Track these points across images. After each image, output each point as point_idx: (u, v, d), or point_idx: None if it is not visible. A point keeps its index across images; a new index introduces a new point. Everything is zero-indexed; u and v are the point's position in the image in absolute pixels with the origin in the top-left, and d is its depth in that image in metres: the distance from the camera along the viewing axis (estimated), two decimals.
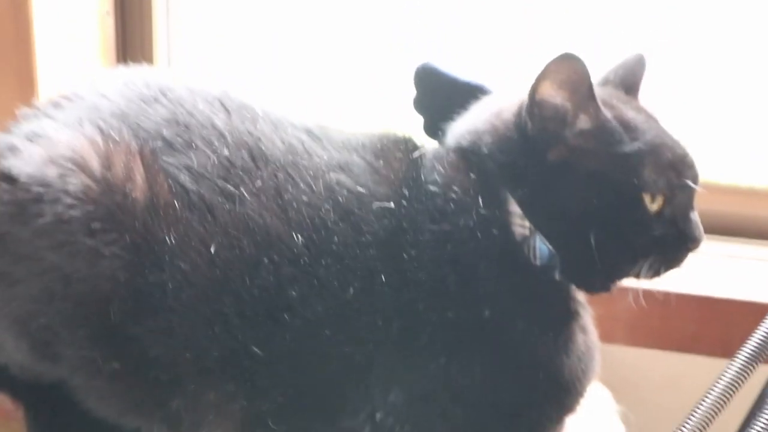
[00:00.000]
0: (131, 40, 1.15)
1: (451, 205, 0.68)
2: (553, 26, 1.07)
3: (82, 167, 0.64)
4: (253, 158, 0.67)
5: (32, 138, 0.67)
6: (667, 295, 0.92)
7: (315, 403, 0.67)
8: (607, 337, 0.77)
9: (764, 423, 0.60)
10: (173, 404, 0.66)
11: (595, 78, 0.72)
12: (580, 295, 0.73)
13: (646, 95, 0.75)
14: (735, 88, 1.07)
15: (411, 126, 0.79)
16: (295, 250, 0.65)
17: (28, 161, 0.65)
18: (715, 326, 0.79)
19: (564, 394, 0.71)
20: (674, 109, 1.02)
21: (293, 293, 0.64)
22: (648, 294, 0.87)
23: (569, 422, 0.76)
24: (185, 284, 0.64)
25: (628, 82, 0.74)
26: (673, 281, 0.89)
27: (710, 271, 0.99)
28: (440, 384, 0.67)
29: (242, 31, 1.18)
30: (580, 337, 0.72)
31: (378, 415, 0.66)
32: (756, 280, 0.89)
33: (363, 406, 0.67)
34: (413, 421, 0.67)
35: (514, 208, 0.68)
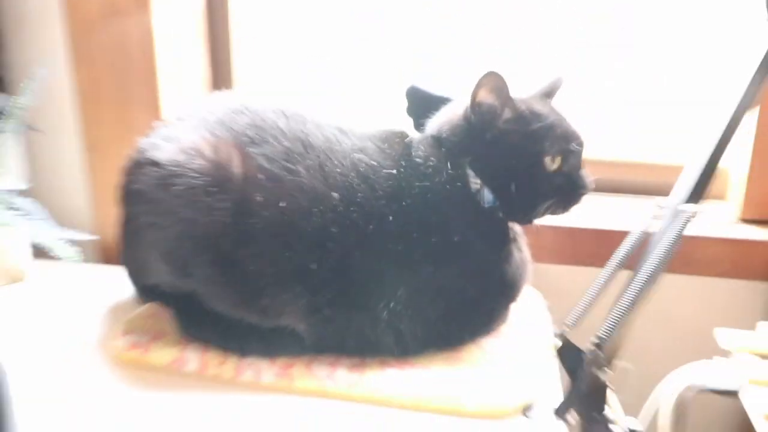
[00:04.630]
0: (221, 72, 1.21)
1: (430, 169, 0.77)
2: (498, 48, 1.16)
3: (200, 154, 0.74)
4: (304, 147, 0.76)
5: (166, 139, 0.77)
6: (576, 229, 1.03)
7: (352, 297, 0.75)
8: (537, 258, 0.86)
9: (616, 316, 0.69)
10: (263, 302, 0.74)
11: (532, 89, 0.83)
12: (517, 227, 0.84)
13: (560, 98, 0.84)
14: (613, 93, 1.15)
15: (406, 125, 0.88)
16: (333, 203, 0.73)
17: (166, 152, 0.75)
18: (606, 247, 0.85)
19: (508, 290, 0.82)
20: (579, 108, 1.02)
21: (334, 230, 0.73)
22: (564, 229, 1.01)
23: (513, 309, 0.87)
24: (268, 225, 0.72)
25: (548, 91, 0.84)
26: (580, 219, 1.02)
27: (602, 213, 1.07)
28: (429, 284, 0.76)
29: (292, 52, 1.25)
30: (516, 254, 0.82)
31: (391, 305, 0.75)
32: (628, 217, 1.00)
33: (382, 299, 0.75)
34: (413, 308, 0.76)
35: (469, 171, 0.78)
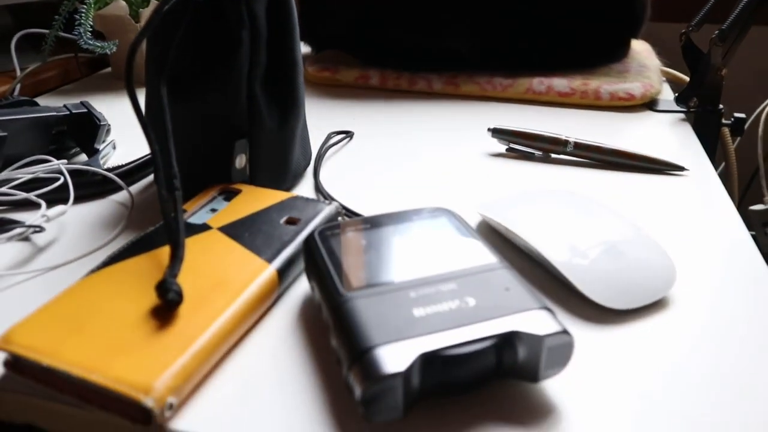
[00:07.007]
0: None
1: None
2: None
3: None
4: None
5: None
6: None
7: (508, 21, 0.83)
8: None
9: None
10: (435, 26, 0.84)
11: None
12: None
13: None
14: None
15: None
16: None
17: None
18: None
19: (635, 22, 0.88)
20: None
21: None
22: None
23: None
24: None
25: None
26: None
27: None
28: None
29: None
30: None
31: (537, 25, 0.84)
32: None
33: (532, 23, 0.84)
34: (555, 35, 0.84)
35: None
